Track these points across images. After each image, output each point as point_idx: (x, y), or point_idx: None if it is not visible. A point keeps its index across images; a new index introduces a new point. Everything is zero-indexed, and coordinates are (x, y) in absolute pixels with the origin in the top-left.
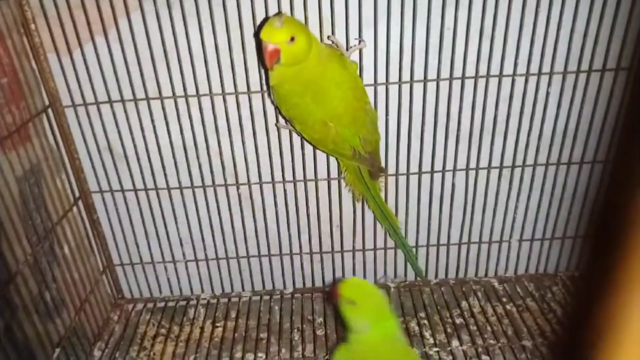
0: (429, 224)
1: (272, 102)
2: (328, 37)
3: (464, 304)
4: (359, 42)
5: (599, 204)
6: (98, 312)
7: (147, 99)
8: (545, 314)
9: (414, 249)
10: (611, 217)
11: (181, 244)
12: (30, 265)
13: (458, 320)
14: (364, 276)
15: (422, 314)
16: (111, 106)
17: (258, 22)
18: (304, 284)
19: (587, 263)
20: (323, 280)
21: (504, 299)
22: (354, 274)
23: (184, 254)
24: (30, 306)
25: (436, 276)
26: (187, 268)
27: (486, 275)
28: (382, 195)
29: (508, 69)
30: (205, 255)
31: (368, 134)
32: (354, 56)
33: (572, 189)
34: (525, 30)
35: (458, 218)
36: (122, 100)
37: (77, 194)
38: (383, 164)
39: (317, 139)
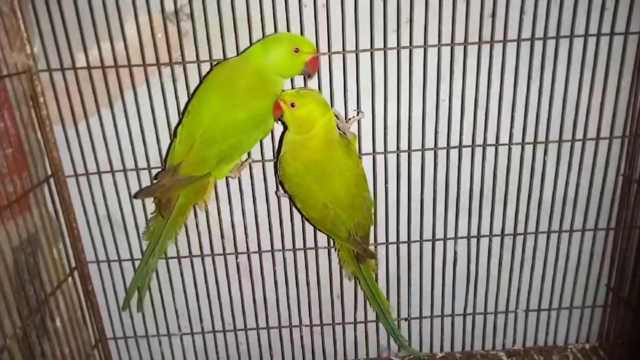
0: (432, 294)
1: (277, 176)
2: None
3: None
4: (358, 113)
5: (605, 272)
6: None
7: (149, 168)
8: None
9: (403, 332)
10: None
11: (177, 316)
12: (19, 340)
13: None
14: (367, 350)
15: None
16: (113, 175)
17: None
18: (304, 358)
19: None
20: (324, 355)
21: None
22: (355, 347)
23: (179, 327)
24: None
25: (442, 349)
26: (182, 341)
27: (493, 348)
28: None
29: (504, 138)
30: (202, 327)
31: (362, 219)
32: (353, 127)
33: (576, 257)
34: (519, 100)
35: (461, 288)
36: (124, 170)
37: (73, 264)
38: (384, 232)
39: (316, 218)
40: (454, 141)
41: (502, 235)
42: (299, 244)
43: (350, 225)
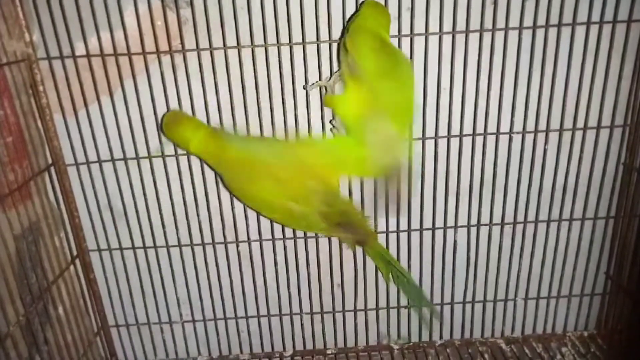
0: (432, 282)
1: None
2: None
3: None
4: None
5: (604, 260)
6: None
7: (150, 156)
8: None
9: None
10: None
11: (178, 304)
12: (22, 327)
13: None
14: (367, 337)
15: None
16: (113, 164)
17: (260, 83)
18: (304, 345)
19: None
20: (324, 342)
21: None
22: (355, 334)
23: (180, 314)
24: None
25: (441, 337)
26: (183, 329)
27: (492, 335)
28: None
29: (505, 127)
30: (203, 315)
31: (329, 206)
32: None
33: (575, 245)
34: (520, 88)
35: (461, 276)
36: (125, 158)
37: (75, 253)
38: (384, 221)
39: (285, 219)
40: (455, 130)
41: (502, 223)
42: (300, 232)
43: (317, 218)
